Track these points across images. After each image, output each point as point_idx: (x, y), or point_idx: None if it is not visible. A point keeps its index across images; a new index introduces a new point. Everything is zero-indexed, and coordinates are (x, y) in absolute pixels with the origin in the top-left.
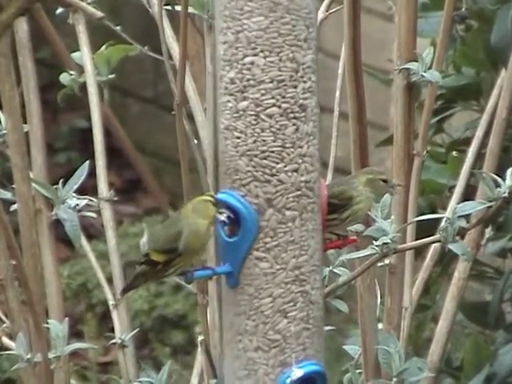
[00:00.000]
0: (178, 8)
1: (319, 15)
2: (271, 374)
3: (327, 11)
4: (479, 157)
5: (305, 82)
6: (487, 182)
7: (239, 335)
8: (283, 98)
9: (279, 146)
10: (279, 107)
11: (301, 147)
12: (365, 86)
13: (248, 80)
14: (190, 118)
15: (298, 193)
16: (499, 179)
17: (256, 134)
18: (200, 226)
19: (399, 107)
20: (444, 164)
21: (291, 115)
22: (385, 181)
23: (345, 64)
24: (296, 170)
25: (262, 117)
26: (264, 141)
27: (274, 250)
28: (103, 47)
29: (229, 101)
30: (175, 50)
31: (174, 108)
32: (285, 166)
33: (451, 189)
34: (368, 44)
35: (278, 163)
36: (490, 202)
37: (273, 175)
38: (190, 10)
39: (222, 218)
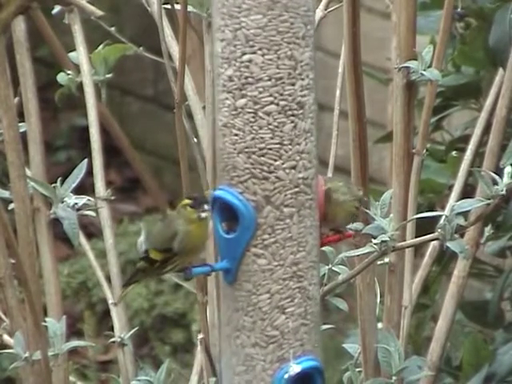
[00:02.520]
0: (178, 7)
1: (318, 14)
2: (269, 370)
3: (326, 10)
4: (478, 155)
5: (303, 79)
6: (485, 180)
7: (237, 331)
8: (281, 95)
9: (277, 144)
10: (277, 105)
11: (299, 144)
12: (363, 84)
13: (246, 78)
14: (190, 116)
15: (296, 190)
16: (497, 177)
17: (254, 132)
18: (190, 229)
19: (399, 106)
20: (443, 163)
21: (289, 112)
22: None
23: (345, 63)
24: (294, 167)
25: (260, 114)
26: (262, 138)
27: (272, 246)
28: (100, 46)
29: (227, 98)
30: (174, 48)
31: (174, 107)
32: (283, 163)
33: (450, 188)
34: (368, 42)
35: (275, 160)
36: (488, 199)
37: (271, 172)
38: (189, 8)
39: (203, 215)
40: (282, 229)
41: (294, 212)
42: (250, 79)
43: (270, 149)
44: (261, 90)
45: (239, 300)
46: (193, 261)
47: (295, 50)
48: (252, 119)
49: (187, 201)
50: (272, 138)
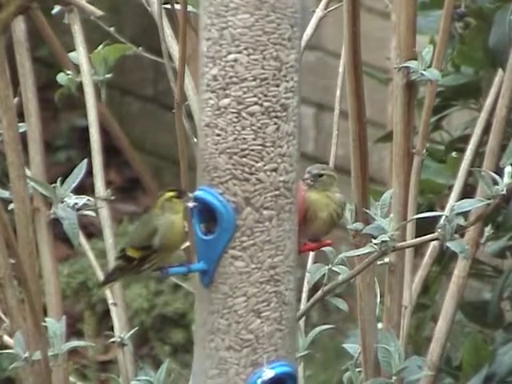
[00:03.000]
0: (178, 7)
1: (318, 13)
2: (242, 374)
3: (326, 9)
4: (478, 155)
5: (287, 81)
6: (485, 179)
7: (211, 334)
8: (265, 96)
9: (259, 145)
10: (261, 106)
11: (281, 147)
12: (363, 84)
13: (231, 77)
14: (190, 116)
15: (276, 192)
16: (497, 177)
17: (237, 132)
18: (174, 221)
19: (399, 106)
20: (443, 163)
21: (273, 114)
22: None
23: (345, 63)
24: (275, 170)
25: (244, 115)
26: (244, 139)
27: (250, 249)
28: (100, 46)
29: (210, 98)
30: (174, 48)
31: (174, 107)
32: (264, 165)
33: (450, 188)
34: (368, 42)
35: (257, 162)
36: (489, 199)
37: (252, 174)
38: (189, 8)
39: (191, 204)
40: (261, 231)
41: (274, 215)
42: (234, 79)
43: (252, 150)
44: (245, 90)
45: (215, 302)
46: (170, 260)
47: (281, 51)
48: (235, 119)
49: (171, 193)
50: (254, 139)
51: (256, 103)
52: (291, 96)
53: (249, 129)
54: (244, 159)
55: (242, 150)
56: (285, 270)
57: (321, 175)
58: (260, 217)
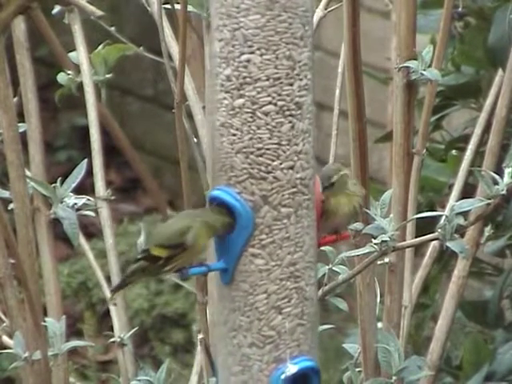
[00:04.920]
0: (178, 7)
1: (318, 13)
2: (265, 370)
3: (326, 9)
4: (478, 155)
5: (301, 79)
6: (485, 179)
7: (234, 331)
8: (279, 95)
9: (275, 144)
10: (275, 105)
11: (296, 144)
12: (363, 83)
13: (244, 77)
14: (190, 116)
15: (294, 190)
16: (497, 177)
17: (252, 132)
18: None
19: (399, 106)
20: (443, 162)
21: (287, 113)
22: None
23: (345, 62)
24: (292, 167)
25: (258, 114)
26: (260, 138)
27: (270, 246)
28: (100, 46)
29: (225, 98)
30: (174, 48)
31: (174, 107)
32: (280, 164)
33: (451, 187)
34: (368, 42)
35: (273, 160)
36: (489, 199)
37: (268, 172)
38: (189, 8)
39: None
40: (280, 229)
41: (292, 212)
42: (248, 79)
43: (268, 149)
44: (259, 89)
45: (236, 300)
46: (194, 260)
47: (293, 50)
48: (250, 119)
49: None
50: (270, 138)
51: (270, 102)
52: (305, 94)
53: (264, 128)
54: (260, 158)
55: (258, 149)
56: (305, 265)
57: (332, 184)
58: (278, 214)
